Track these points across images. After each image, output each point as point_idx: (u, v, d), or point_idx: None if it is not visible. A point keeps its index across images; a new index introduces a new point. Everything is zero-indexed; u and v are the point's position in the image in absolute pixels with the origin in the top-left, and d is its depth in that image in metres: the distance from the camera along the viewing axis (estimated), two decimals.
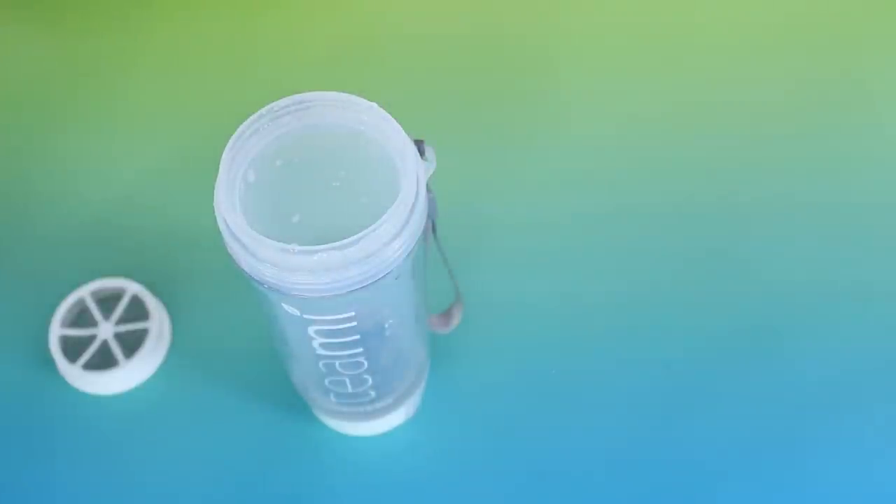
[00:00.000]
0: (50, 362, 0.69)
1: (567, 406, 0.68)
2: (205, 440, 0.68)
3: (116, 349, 0.69)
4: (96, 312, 0.70)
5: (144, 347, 0.68)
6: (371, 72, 0.81)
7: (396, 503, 0.66)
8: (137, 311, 0.70)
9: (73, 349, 0.69)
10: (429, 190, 0.50)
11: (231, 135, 0.49)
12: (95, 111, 0.80)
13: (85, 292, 0.70)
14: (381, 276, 0.48)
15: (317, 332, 0.52)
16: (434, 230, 0.56)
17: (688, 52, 0.81)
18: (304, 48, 0.82)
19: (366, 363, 0.56)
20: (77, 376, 0.68)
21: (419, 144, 0.50)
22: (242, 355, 0.69)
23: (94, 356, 0.69)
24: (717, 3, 0.84)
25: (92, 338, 0.70)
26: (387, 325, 0.55)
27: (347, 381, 0.58)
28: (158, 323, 0.69)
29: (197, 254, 0.73)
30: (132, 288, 0.70)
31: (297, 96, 0.50)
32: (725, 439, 0.67)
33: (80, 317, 0.70)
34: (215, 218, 0.49)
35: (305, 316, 0.51)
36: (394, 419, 0.67)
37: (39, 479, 0.66)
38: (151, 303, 0.70)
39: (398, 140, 0.49)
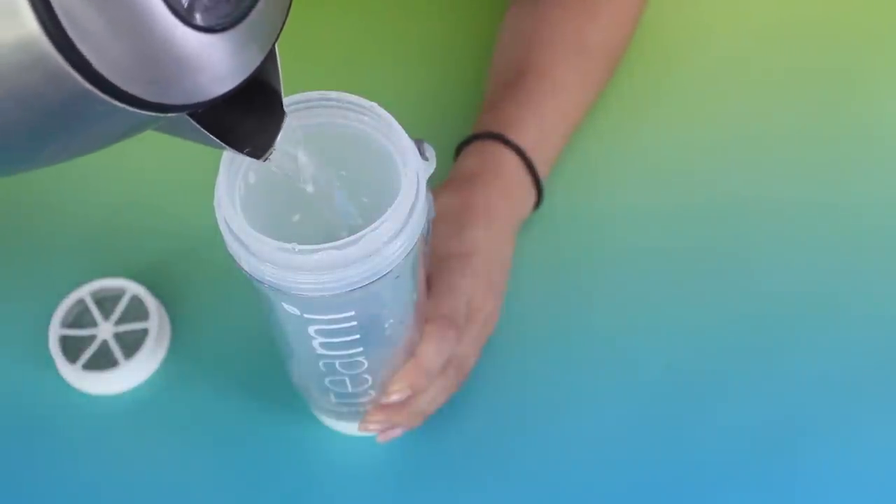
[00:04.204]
0: (50, 362, 0.69)
1: (568, 406, 0.68)
2: (204, 440, 0.68)
3: (116, 349, 0.69)
4: (96, 313, 0.70)
5: (144, 347, 0.68)
6: (372, 72, 0.81)
7: (396, 503, 0.66)
8: (137, 311, 0.70)
9: (72, 349, 0.69)
10: (428, 190, 0.51)
11: None
12: None
13: (85, 292, 0.70)
14: (381, 275, 0.48)
15: (317, 331, 0.52)
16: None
17: (685, 51, 0.81)
18: (303, 48, 0.82)
19: (366, 363, 0.57)
20: (77, 376, 0.68)
21: (419, 144, 0.50)
22: (242, 355, 0.69)
23: (93, 356, 0.69)
24: (721, 2, 0.84)
25: (92, 338, 0.70)
26: (387, 325, 0.55)
27: (347, 380, 0.58)
28: (158, 323, 0.69)
29: (197, 254, 0.73)
30: (132, 288, 0.70)
31: (298, 96, 0.50)
32: (726, 439, 0.67)
33: (80, 317, 0.70)
34: (215, 218, 0.49)
35: (306, 315, 0.51)
36: None
37: (39, 478, 0.66)
38: (151, 303, 0.70)
39: (398, 140, 0.49)
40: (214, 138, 0.40)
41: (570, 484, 0.66)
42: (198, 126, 0.39)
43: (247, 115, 0.43)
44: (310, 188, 0.49)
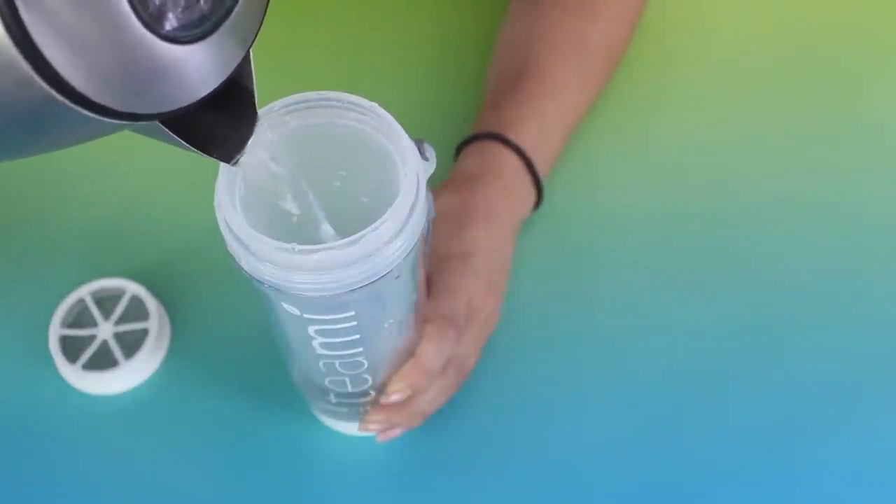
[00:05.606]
0: (50, 362, 0.69)
1: (568, 406, 0.68)
2: (204, 440, 0.68)
3: (116, 349, 0.69)
4: (96, 312, 0.70)
5: (144, 347, 0.68)
6: (372, 72, 0.81)
7: (396, 503, 0.66)
8: (137, 311, 0.70)
9: (72, 349, 0.69)
10: (428, 190, 0.51)
11: None
12: None
13: (85, 292, 0.70)
14: (381, 275, 0.48)
15: (317, 331, 0.52)
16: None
17: (685, 51, 0.82)
18: (303, 48, 0.82)
19: (366, 363, 0.57)
20: (77, 376, 0.68)
21: (419, 144, 0.50)
22: (242, 355, 0.69)
23: (93, 356, 0.69)
24: (721, 2, 0.84)
25: (92, 338, 0.70)
26: (387, 325, 0.55)
27: (347, 380, 0.58)
28: (158, 323, 0.69)
29: (197, 254, 0.73)
30: (132, 288, 0.70)
31: (298, 96, 0.50)
32: (727, 439, 0.66)
33: (80, 317, 0.70)
34: (215, 218, 0.49)
35: (306, 315, 0.51)
36: None
37: (39, 478, 0.66)
38: (151, 303, 0.70)
39: (398, 140, 0.49)
40: (186, 143, 0.40)
41: (570, 484, 0.65)
42: (169, 132, 0.39)
43: (219, 117, 0.43)
44: (305, 192, 0.49)
